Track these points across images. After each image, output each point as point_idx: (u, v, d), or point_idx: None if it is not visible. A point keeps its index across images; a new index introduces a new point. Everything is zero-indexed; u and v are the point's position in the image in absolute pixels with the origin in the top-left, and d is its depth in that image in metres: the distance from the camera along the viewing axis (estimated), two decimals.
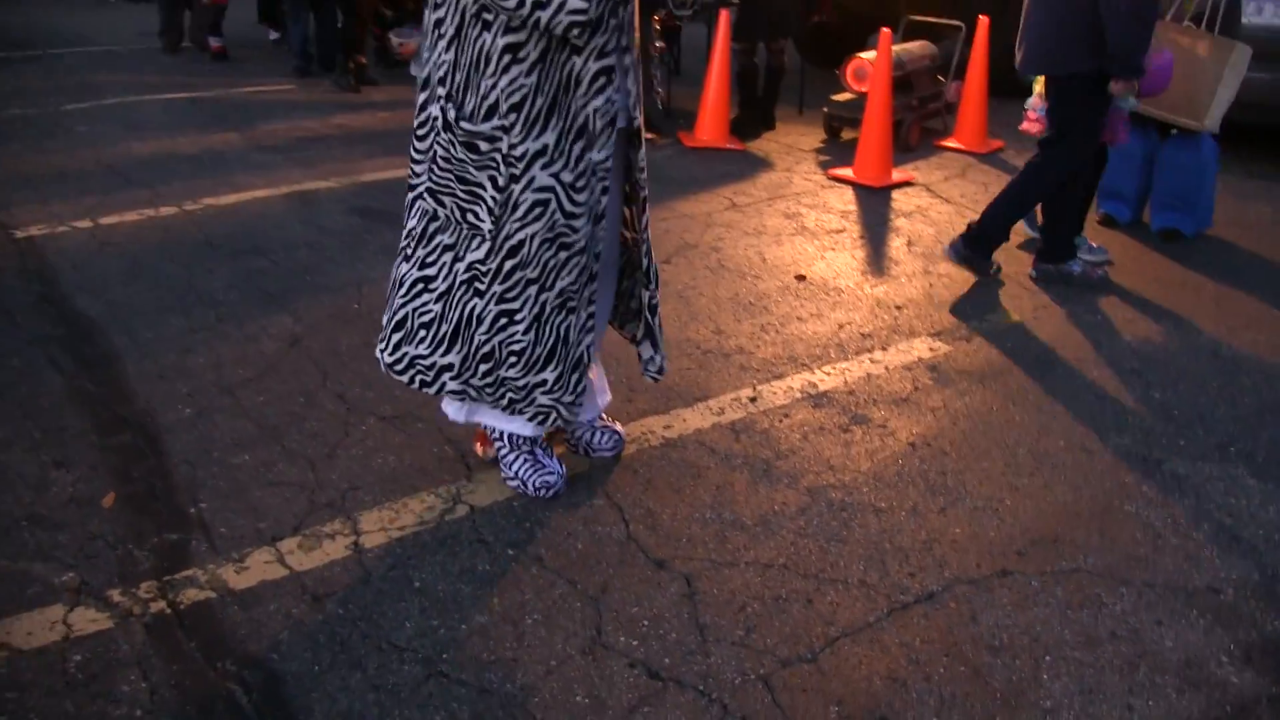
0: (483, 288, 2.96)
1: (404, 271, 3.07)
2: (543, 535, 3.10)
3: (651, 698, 2.49)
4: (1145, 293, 5.12)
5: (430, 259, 3.01)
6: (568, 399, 3.13)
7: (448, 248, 2.98)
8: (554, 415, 3.14)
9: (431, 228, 2.99)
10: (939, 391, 4.03)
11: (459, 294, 2.98)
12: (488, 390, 3.09)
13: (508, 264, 2.92)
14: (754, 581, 2.92)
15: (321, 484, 3.32)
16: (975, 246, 5.15)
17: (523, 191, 2.85)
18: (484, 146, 2.82)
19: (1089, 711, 2.49)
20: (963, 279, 5.20)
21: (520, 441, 3.28)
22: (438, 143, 2.89)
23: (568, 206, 2.90)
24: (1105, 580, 2.96)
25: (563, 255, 2.95)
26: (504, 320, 2.98)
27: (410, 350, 3.09)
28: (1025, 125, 5.66)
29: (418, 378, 3.11)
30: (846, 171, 7.09)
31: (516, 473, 3.28)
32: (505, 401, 3.12)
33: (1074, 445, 3.66)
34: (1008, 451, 3.61)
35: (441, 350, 3.04)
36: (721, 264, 5.35)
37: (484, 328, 2.99)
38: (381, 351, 3.16)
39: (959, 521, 3.21)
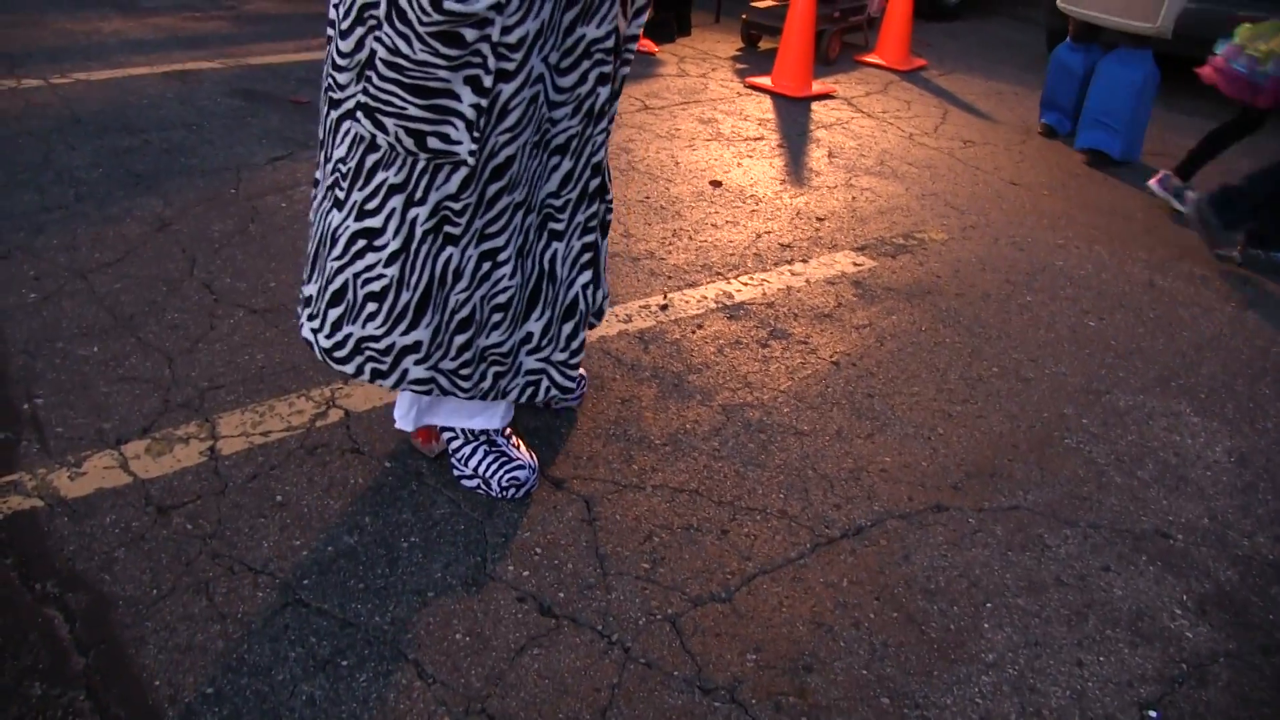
0: (458, 231, 2.17)
1: (336, 222, 2.20)
2: None
3: (542, 637, 2.19)
4: (1076, 218, 4.88)
5: (372, 205, 2.14)
6: (559, 357, 2.49)
7: (394, 189, 2.12)
8: (544, 385, 2.50)
9: (370, 161, 2.12)
10: (864, 308, 3.74)
11: (425, 249, 2.17)
12: (463, 374, 2.35)
13: (491, 189, 2.15)
14: (662, 508, 2.61)
15: (179, 381, 2.93)
16: (1226, 212, 4.38)
17: (518, 90, 2.06)
18: (470, 36, 1.95)
19: (1035, 666, 2.23)
20: (887, 193, 4.91)
21: (476, 430, 2.64)
22: (378, 40, 1.99)
23: (553, 95, 2.15)
24: (1047, 520, 2.70)
25: (546, 160, 2.25)
26: (487, 265, 2.24)
27: (355, 331, 2.26)
28: (1209, 74, 4.82)
29: (369, 366, 2.29)
30: (764, 80, 6.78)
31: (475, 470, 2.61)
32: (488, 383, 2.42)
33: (1008, 372, 3.40)
34: (938, 375, 3.34)
35: (403, 327, 2.24)
36: (632, 165, 4.99)
37: (464, 282, 2.24)
38: (314, 332, 2.32)
39: (888, 449, 2.93)
